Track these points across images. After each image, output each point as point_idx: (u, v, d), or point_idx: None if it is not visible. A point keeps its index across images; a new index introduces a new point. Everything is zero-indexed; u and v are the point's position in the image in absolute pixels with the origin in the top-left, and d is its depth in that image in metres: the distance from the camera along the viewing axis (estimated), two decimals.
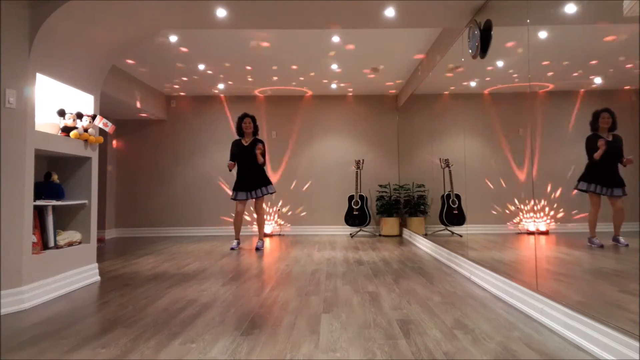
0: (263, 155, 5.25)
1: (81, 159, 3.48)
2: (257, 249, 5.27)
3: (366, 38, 4.67)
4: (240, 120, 5.32)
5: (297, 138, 7.33)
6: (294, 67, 5.69)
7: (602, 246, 2.24)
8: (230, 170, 5.31)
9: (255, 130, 5.35)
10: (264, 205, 5.33)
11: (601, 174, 2.22)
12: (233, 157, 5.29)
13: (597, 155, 2.22)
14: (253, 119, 5.33)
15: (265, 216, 5.37)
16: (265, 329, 2.21)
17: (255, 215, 5.28)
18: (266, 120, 7.32)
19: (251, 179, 5.21)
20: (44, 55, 2.93)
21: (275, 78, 6.25)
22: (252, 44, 4.81)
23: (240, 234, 5.73)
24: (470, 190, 3.79)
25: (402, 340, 2.02)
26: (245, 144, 5.28)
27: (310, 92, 7.18)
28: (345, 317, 2.41)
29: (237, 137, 5.41)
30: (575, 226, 2.32)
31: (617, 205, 2.16)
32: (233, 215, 7.18)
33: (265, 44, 4.85)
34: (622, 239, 2.17)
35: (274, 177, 7.26)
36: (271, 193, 5.32)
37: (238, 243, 5.35)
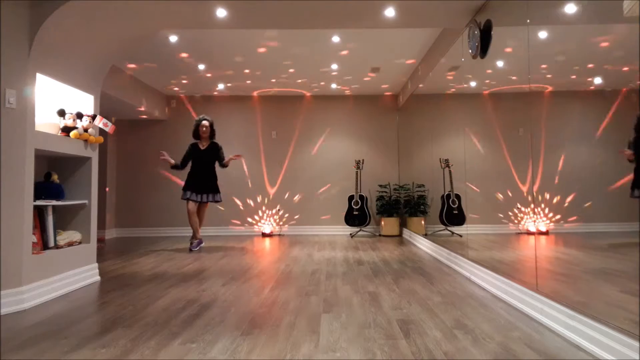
0: (223, 162, 5.33)
1: (81, 159, 3.48)
2: (191, 250, 5.21)
3: (366, 38, 4.67)
4: (197, 125, 5.30)
5: (297, 138, 7.33)
6: (294, 67, 5.69)
7: None
8: (168, 161, 5.20)
9: (212, 134, 5.34)
10: (205, 210, 5.41)
11: None
12: (187, 161, 5.27)
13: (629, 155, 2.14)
14: (211, 123, 5.33)
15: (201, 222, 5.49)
16: (265, 329, 2.21)
17: (195, 217, 5.27)
18: (266, 120, 7.32)
19: (203, 182, 5.22)
20: (44, 55, 2.93)
21: (275, 78, 6.25)
22: (251, 43, 4.81)
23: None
24: (470, 190, 3.79)
25: (402, 340, 2.02)
26: (202, 148, 5.29)
27: (310, 92, 7.17)
28: (345, 317, 2.41)
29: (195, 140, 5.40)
30: (576, 226, 2.32)
31: None
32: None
33: (265, 43, 4.84)
34: None
35: (273, 177, 7.26)
36: (217, 202, 5.31)
37: (200, 242, 5.32)
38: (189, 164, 5.33)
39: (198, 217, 5.32)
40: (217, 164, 5.39)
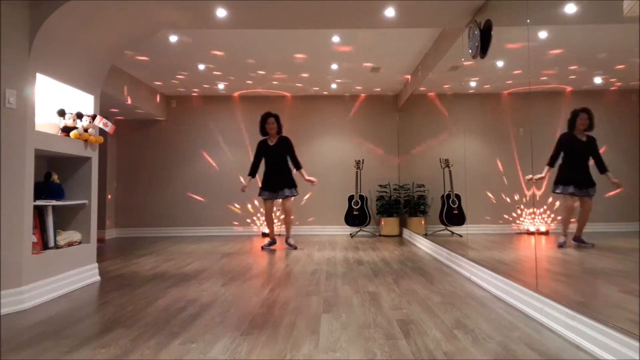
0: (297, 163, 5.29)
1: (81, 159, 3.48)
2: (291, 246, 5.25)
3: (366, 38, 4.67)
4: (263, 120, 5.20)
5: (297, 138, 7.30)
6: (294, 67, 5.69)
7: (593, 246, 2.25)
8: (243, 191, 5.30)
9: (279, 129, 5.24)
10: (289, 205, 5.28)
11: (575, 175, 2.23)
12: (258, 158, 5.23)
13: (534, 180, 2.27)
14: (276, 117, 5.20)
15: (291, 216, 5.37)
16: (265, 329, 2.21)
17: (271, 216, 5.28)
18: None
19: (277, 179, 5.15)
20: (44, 55, 2.93)
21: (275, 78, 6.25)
22: (251, 43, 4.81)
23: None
24: (470, 190, 3.79)
25: (402, 340, 2.02)
26: (272, 144, 5.20)
27: (310, 92, 7.17)
28: (345, 317, 2.41)
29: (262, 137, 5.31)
30: (576, 226, 2.32)
31: (586, 206, 2.18)
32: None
33: (265, 43, 4.84)
34: (585, 239, 2.18)
35: None
36: (294, 195, 5.24)
37: (272, 242, 5.27)
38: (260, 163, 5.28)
39: (284, 213, 5.24)
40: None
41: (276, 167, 5.19)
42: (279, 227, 7.05)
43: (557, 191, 2.38)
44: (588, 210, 2.21)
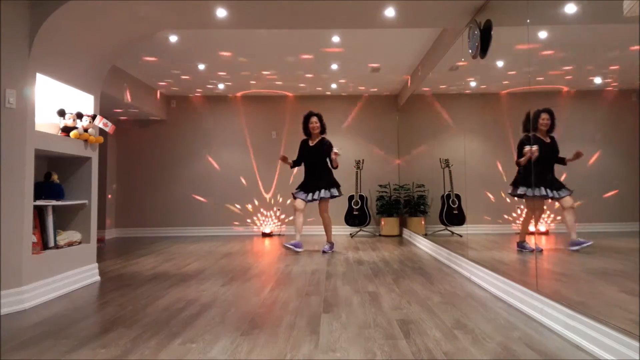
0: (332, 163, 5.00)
1: (81, 159, 3.48)
2: (324, 252, 4.97)
3: (366, 38, 4.67)
4: (306, 120, 5.04)
5: (298, 138, 7.30)
6: (294, 67, 5.69)
7: (532, 251, 2.26)
8: (287, 163, 5.02)
9: (323, 129, 5.07)
10: (324, 207, 5.04)
11: (543, 176, 2.20)
12: (300, 159, 5.09)
13: (523, 161, 2.21)
14: (319, 117, 5.03)
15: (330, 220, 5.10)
16: (265, 329, 2.21)
17: (300, 217, 4.99)
18: (266, 120, 7.32)
19: (313, 180, 4.97)
20: (44, 55, 2.93)
21: (275, 78, 6.25)
22: (252, 42, 4.81)
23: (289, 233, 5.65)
24: (470, 190, 3.79)
25: (402, 341, 2.02)
26: (312, 145, 5.05)
27: (310, 92, 7.17)
28: (345, 317, 2.41)
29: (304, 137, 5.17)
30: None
31: (566, 205, 2.15)
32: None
33: (265, 43, 4.84)
34: (580, 240, 2.14)
35: (273, 176, 7.26)
36: (334, 196, 4.98)
37: (296, 244, 4.92)
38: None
39: (321, 217, 5.04)
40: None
41: (312, 170, 5.01)
42: (278, 228, 7.07)
43: (521, 193, 2.34)
44: (569, 209, 2.19)
